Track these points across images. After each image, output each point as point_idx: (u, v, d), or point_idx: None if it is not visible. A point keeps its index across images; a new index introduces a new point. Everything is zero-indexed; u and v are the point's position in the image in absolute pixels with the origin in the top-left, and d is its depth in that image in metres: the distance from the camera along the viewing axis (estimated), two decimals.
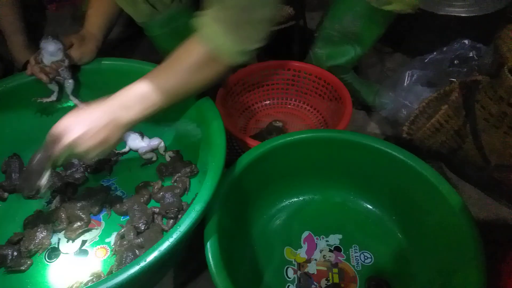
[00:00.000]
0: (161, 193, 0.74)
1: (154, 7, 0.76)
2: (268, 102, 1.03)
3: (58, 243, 0.70)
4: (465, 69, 0.91)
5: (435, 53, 0.93)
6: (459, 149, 0.80)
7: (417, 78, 0.89)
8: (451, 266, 0.58)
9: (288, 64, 0.98)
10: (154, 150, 0.84)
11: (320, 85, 0.95)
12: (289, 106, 1.03)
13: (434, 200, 0.63)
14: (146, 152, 0.82)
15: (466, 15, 1.05)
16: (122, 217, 0.74)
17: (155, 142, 0.84)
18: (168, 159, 0.82)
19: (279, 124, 0.94)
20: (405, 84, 0.88)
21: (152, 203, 0.76)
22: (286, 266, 0.68)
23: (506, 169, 0.75)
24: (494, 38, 0.93)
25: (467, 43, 0.92)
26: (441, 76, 0.89)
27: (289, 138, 0.71)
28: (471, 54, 0.92)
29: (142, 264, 0.47)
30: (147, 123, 0.84)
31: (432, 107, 0.79)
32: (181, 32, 0.79)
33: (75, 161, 0.81)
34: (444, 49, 0.94)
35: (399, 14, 0.82)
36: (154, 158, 0.83)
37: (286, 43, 1.17)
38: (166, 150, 0.84)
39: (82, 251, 0.69)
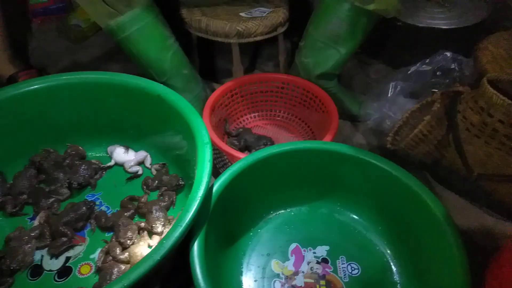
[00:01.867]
0: (146, 207, 0.73)
1: (113, 8, 0.76)
2: (257, 114, 1.04)
3: (42, 260, 0.69)
4: (447, 80, 0.93)
5: (418, 64, 0.95)
6: (443, 159, 0.82)
7: (400, 90, 0.91)
8: (436, 275, 0.59)
9: (277, 77, 1.00)
10: (140, 163, 0.84)
11: (308, 97, 0.96)
12: (277, 118, 1.03)
13: (418, 209, 0.64)
14: (131, 166, 0.82)
15: (447, 27, 1.08)
16: (107, 233, 0.73)
17: (141, 155, 0.83)
18: (154, 172, 0.82)
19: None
20: (389, 95, 0.90)
21: (138, 217, 0.75)
22: (274, 280, 0.68)
23: (489, 178, 0.77)
24: (474, 50, 0.96)
25: (448, 55, 0.94)
26: (424, 87, 0.91)
27: (275, 150, 0.71)
28: (452, 66, 0.94)
29: (125, 282, 0.46)
30: (132, 136, 0.84)
31: (415, 117, 0.81)
32: (144, 33, 0.80)
33: (60, 176, 0.79)
34: (427, 61, 0.96)
35: (383, 17, 0.85)
36: (140, 172, 0.82)
37: (270, 53, 1.19)
38: (152, 163, 0.84)
39: (65, 268, 0.68)
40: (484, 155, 0.75)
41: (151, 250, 0.50)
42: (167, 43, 0.85)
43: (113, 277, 0.63)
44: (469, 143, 0.77)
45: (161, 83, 0.78)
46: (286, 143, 0.73)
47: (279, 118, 1.03)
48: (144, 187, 0.79)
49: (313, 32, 0.94)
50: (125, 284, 0.47)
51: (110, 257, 0.66)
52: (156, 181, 0.79)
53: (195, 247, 0.55)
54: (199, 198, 0.56)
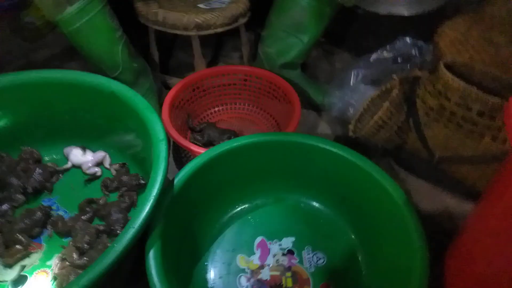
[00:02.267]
0: (106, 210, 0.70)
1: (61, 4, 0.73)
2: (221, 107, 1.02)
3: None
4: (409, 66, 0.93)
5: (379, 51, 0.95)
6: (405, 144, 0.82)
7: (362, 77, 0.90)
8: (398, 260, 0.59)
9: (239, 69, 0.98)
10: (99, 164, 0.81)
11: (271, 89, 0.95)
12: (242, 111, 1.02)
13: (379, 196, 0.64)
14: (89, 167, 0.79)
15: (408, 14, 1.08)
16: (64, 238, 0.70)
17: (99, 155, 0.80)
18: (114, 172, 0.79)
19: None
20: (351, 84, 0.90)
21: (98, 220, 0.72)
22: (239, 275, 0.67)
23: (450, 160, 0.78)
24: (433, 34, 0.97)
25: (408, 41, 0.95)
26: (385, 74, 0.91)
27: (235, 144, 0.70)
28: (413, 52, 0.94)
29: None
30: (89, 135, 0.81)
31: (376, 104, 0.81)
32: (92, 26, 0.77)
33: (13, 181, 0.76)
34: (388, 47, 0.96)
35: (343, 6, 0.85)
36: (99, 173, 0.79)
37: (234, 45, 1.17)
38: (111, 163, 0.81)
39: (20, 277, 0.65)
40: (443, 138, 0.76)
41: (101, 255, 0.48)
42: (117, 35, 0.83)
43: None
44: (429, 127, 0.78)
45: (113, 78, 0.75)
46: (247, 136, 0.72)
47: (243, 111, 1.01)
48: (103, 188, 0.77)
49: (275, 21, 0.94)
50: None
51: (67, 263, 0.64)
52: (116, 182, 0.76)
53: (151, 248, 0.54)
54: (153, 197, 0.54)
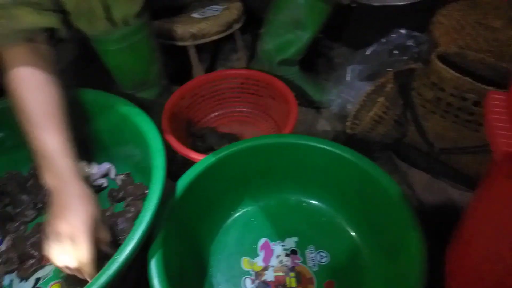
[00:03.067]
0: (112, 220, 0.73)
1: (114, 24, 0.72)
2: (221, 112, 1.03)
3: (11, 284, 0.68)
4: (406, 58, 0.93)
5: (374, 45, 0.95)
6: (404, 137, 0.82)
7: (359, 73, 0.91)
8: (396, 254, 0.59)
9: (236, 73, 0.99)
10: (105, 176, 0.83)
11: (269, 90, 0.96)
12: (242, 114, 1.03)
13: (375, 192, 0.64)
14: (96, 180, 0.81)
15: (403, 3, 1.07)
16: None
17: (105, 167, 0.83)
18: (119, 183, 0.82)
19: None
20: (347, 79, 0.90)
21: None
22: (244, 277, 0.68)
23: (450, 152, 0.78)
24: (428, 24, 0.96)
25: (404, 32, 0.94)
26: (382, 67, 0.91)
27: (233, 149, 0.71)
28: (409, 43, 0.94)
29: None
30: (95, 149, 0.84)
31: (371, 100, 0.81)
32: (136, 47, 0.78)
33: (25, 198, 0.79)
34: (383, 40, 0.96)
35: (338, 3, 0.86)
36: (105, 184, 0.82)
37: (231, 48, 1.18)
38: (116, 174, 0.83)
39: None
40: (442, 129, 0.76)
41: (105, 267, 0.50)
42: (155, 55, 0.83)
43: None
44: (426, 119, 0.77)
45: (138, 92, 0.75)
46: (245, 140, 0.73)
47: (243, 114, 1.02)
48: (110, 199, 0.79)
49: (273, 18, 0.94)
50: None
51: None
52: (122, 192, 0.78)
53: (153, 257, 0.55)
54: (153, 207, 0.56)
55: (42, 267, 0.71)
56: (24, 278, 0.69)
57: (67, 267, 0.54)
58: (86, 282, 0.63)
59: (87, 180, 0.78)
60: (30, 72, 0.62)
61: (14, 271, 0.70)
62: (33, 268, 0.69)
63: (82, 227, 0.53)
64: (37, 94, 0.61)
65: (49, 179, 0.58)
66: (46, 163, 0.59)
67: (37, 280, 0.69)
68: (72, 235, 0.53)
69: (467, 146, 0.74)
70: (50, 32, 0.68)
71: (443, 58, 0.73)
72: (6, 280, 0.69)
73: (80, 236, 0.53)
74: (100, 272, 0.49)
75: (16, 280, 0.69)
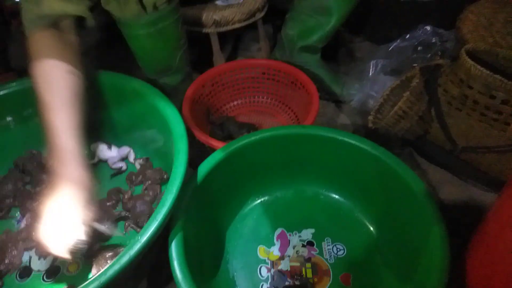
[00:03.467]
0: (131, 202, 0.73)
1: (144, 9, 0.72)
2: (240, 101, 1.03)
3: (30, 261, 0.69)
4: (429, 55, 0.92)
5: (398, 41, 0.94)
6: (426, 134, 0.81)
7: (382, 67, 0.90)
8: (418, 252, 0.59)
9: (257, 62, 0.98)
10: (124, 159, 0.84)
11: (289, 81, 0.95)
12: (260, 104, 1.03)
13: (399, 187, 0.63)
14: (115, 162, 0.82)
15: None
16: None
17: (124, 151, 0.83)
18: (138, 167, 0.82)
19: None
20: (370, 74, 0.89)
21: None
22: (260, 265, 0.68)
23: (473, 151, 0.76)
24: (456, 20, 0.94)
25: (429, 29, 0.93)
26: (405, 63, 0.90)
27: (253, 138, 0.71)
28: (433, 40, 0.93)
29: (102, 279, 0.47)
30: (116, 132, 0.84)
31: (396, 94, 0.80)
32: (164, 33, 0.77)
33: (45, 177, 0.80)
34: (407, 36, 0.94)
35: None
36: (124, 168, 0.82)
37: (252, 37, 1.17)
38: (135, 158, 0.84)
39: (54, 268, 0.68)
40: (466, 127, 0.75)
41: (127, 247, 0.50)
42: (181, 42, 0.83)
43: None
44: (451, 116, 0.76)
45: (161, 77, 0.76)
46: (265, 129, 0.73)
47: (262, 104, 1.02)
48: (128, 182, 0.80)
49: (298, 4, 0.94)
50: (102, 281, 0.47)
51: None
52: (140, 176, 0.79)
53: (173, 240, 0.56)
54: (175, 191, 0.56)
55: None
56: (42, 256, 0.70)
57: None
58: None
59: (92, 163, 0.82)
60: (51, 58, 0.64)
61: (32, 248, 0.71)
62: None
63: (71, 210, 0.55)
64: (55, 81, 0.64)
65: (53, 161, 0.61)
66: (51, 144, 0.61)
67: (55, 258, 0.70)
68: (62, 217, 0.55)
69: (492, 145, 0.73)
70: (77, 19, 0.68)
71: (472, 55, 0.71)
72: (25, 256, 0.70)
73: (70, 219, 0.55)
74: (122, 253, 0.50)
75: (34, 257, 0.70)
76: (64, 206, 0.56)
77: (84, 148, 0.63)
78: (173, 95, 0.77)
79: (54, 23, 0.66)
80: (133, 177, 0.79)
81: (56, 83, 0.64)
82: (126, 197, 0.75)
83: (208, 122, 0.94)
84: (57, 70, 0.65)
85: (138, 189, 0.79)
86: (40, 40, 0.66)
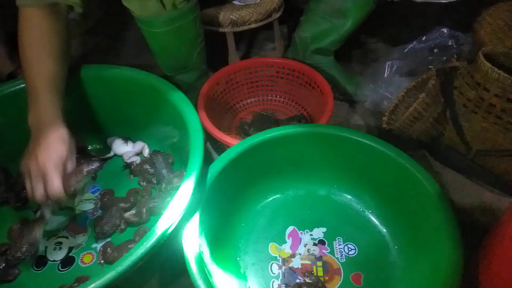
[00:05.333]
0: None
1: (163, 6, 0.73)
2: (253, 99, 1.03)
3: (46, 251, 0.71)
4: (445, 57, 0.91)
5: (414, 42, 0.93)
6: (441, 136, 0.81)
7: (397, 69, 0.89)
8: (430, 252, 0.59)
9: (272, 61, 0.99)
10: (138, 154, 0.85)
11: (303, 81, 0.96)
12: (273, 103, 1.03)
13: (412, 188, 0.63)
14: (130, 157, 0.83)
15: (445, 1, 1.04)
16: None
17: (139, 146, 0.85)
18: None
19: (267, 113, 0.96)
20: (385, 75, 0.89)
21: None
22: (271, 262, 0.69)
23: (488, 154, 0.76)
24: (473, 22, 0.94)
25: (445, 31, 0.92)
26: (420, 65, 0.90)
27: (268, 135, 0.71)
28: (450, 43, 0.92)
29: (119, 269, 0.48)
30: (131, 127, 0.85)
31: (411, 96, 0.80)
32: (182, 31, 0.78)
33: None
34: (423, 38, 0.94)
35: None
36: (138, 162, 0.83)
37: (267, 36, 1.18)
38: (150, 153, 0.85)
39: (69, 258, 0.70)
40: (481, 130, 0.74)
41: (142, 238, 0.51)
42: (199, 40, 0.84)
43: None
44: (466, 119, 0.76)
45: (178, 74, 0.78)
46: (280, 127, 0.73)
47: (276, 103, 1.03)
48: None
49: (313, 6, 0.94)
50: (121, 271, 0.48)
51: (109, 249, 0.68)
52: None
53: (188, 234, 0.56)
54: (191, 186, 0.57)
55: (75, 236, 0.73)
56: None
57: (45, 199, 0.60)
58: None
59: (108, 156, 0.85)
60: (40, 33, 0.67)
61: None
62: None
63: (49, 164, 0.58)
64: (38, 37, 0.67)
65: (31, 118, 0.64)
66: (31, 100, 0.64)
67: (70, 249, 0.71)
68: (41, 172, 0.58)
69: (507, 149, 0.73)
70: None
71: (489, 58, 0.71)
72: (41, 246, 0.71)
73: (48, 173, 0.58)
74: (137, 244, 0.51)
75: (50, 247, 0.72)
76: (50, 159, 0.59)
77: (65, 103, 0.66)
78: (189, 92, 0.78)
79: (48, 2, 0.67)
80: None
81: (38, 39, 0.67)
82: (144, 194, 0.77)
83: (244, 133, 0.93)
84: (44, 42, 0.67)
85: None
86: (32, 15, 0.67)
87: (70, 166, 0.62)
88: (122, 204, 0.73)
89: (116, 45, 1.28)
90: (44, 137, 0.60)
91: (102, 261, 0.68)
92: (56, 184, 0.58)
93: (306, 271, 0.67)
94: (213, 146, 0.93)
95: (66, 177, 0.60)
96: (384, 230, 0.71)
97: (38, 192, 0.59)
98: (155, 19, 0.74)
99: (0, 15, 0.96)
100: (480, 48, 0.74)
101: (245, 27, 0.96)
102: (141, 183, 0.80)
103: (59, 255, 0.70)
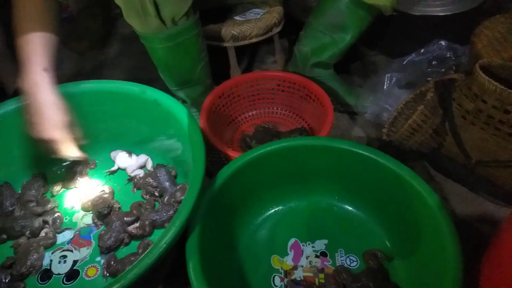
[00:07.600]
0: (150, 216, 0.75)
1: (163, 23, 0.75)
2: (255, 112, 1.05)
3: (50, 264, 0.72)
4: (443, 70, 0.93)
5: (413, 55, 0.95)
6: (440, 148, 0.82)
7: (396, 81, 0.91)
8: (431, 264, 0.59)
9: (273, 74, 1.00)
10: (142, 167, 0.86)
11: (304, 93, 0.97)
12: (275, 115, 1.04)
13: (413, 200, 0.64)
14: (134, 170, 0.84)
15: (443, 14, 1.06)
16: None
17: (143, 159, 0.86)
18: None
19: (269, 125, 0.97)
20: (385, 87, 0.90)
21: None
22: (273, 275, 0.69)
23: (488, 165, 0.76)
24: (470, 35, 0.95)
25: (444, 44, 0.94)
26: (419, 77, 0.91)
27: (270, 148, 0.72)
28: (448, 55, 0.94)
29: (124, 282, 0.49)
30: (135, 141, 0.87)
31: (410, 108, 0.81)
32: (184, 46, 0.80)
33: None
34: (422, 50, 0.95)
35: (380, 13, 0.86)
36: (141, 175, 0.84)
37: (268, 50, 1.19)
38: (153, 166, 0.86)
39: (73, 271, 0.71)
40: (480, 141, 0.75)
41: (147, 251, 0.52)
42: (202, 55, 0.86)
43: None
44: (465, 130, 0.77)
45: (182, 89, 0.78)
46: (281, 140, 0.74)
47: (277, 115, 1.04)
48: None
49: (313, 21, 0.96)
50: (124, 284, 0.49)
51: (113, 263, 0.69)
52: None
53: (191, 246, 0.57)
54: (193, 199, 0.58)
55: (79, 249, 0.74)
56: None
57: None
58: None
59: (112, 170, 0.86)
60: (33, 10, 0.69)
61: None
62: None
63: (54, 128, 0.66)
64: (32, 22, 0.69)
65: (25, 84, 0.67)
66: (23, 66, 0.67)
67: (75, 262, 0.72)
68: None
69: (506, 159, 0.73)
70: None
71: (486, 70, 0.72)
72: (46, 260, 0.72)
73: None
74: (142, 256, 0.51)
75: (55, 261, 0.72)
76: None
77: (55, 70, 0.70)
78: (194, 106, 0.79)
79: None
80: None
81: (31, 13, 0.69)
82: (147, 207, 0.77)
83: (246, 146, 0.94)
84: (36, 8, 0.69)
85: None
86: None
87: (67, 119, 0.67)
88: (125, 218, 0.74)
89: (121, 59, 1.31)
90: (42, 106, 0.66)
91: (107, 274, 0.69)
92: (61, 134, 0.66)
93: (308, 283, 0.67)
94: (215, 159, 0.94)
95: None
96: (385, 242, 0.71)
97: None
98: (156, 36, 0.76)
99: (7, 33, 0.98)
100: (477, 60, 0.76)
101: (246, 42, 0.98)
102: (144, 196, 0.81)
103: (64, 268, 0.71)
